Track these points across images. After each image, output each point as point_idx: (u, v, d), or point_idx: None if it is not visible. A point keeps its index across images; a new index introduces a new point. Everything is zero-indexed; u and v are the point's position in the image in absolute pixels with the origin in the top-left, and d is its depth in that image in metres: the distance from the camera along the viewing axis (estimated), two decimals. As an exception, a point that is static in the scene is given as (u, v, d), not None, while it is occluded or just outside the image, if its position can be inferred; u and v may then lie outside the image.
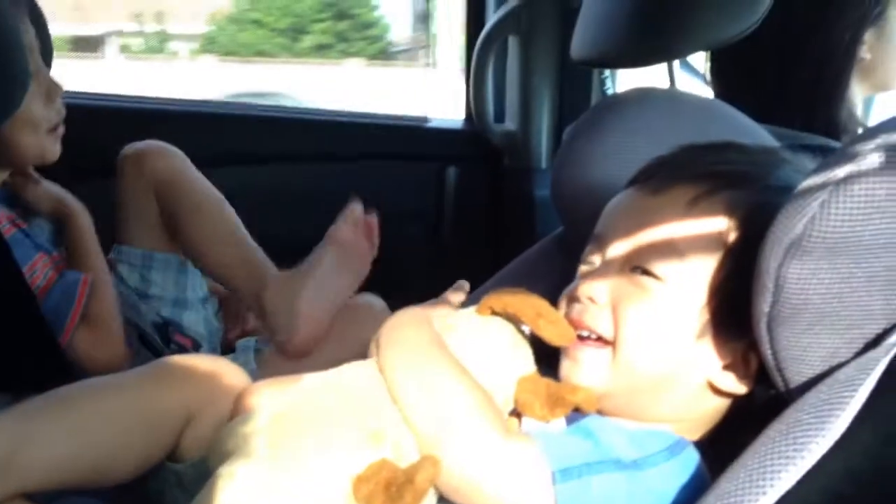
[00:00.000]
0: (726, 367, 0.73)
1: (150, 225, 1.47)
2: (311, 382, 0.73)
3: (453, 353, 0.73)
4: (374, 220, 1.35)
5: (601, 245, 0.80)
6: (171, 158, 1.45)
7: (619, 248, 0.78)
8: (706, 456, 0.70)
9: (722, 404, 0.75)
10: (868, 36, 1.32)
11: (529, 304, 0.76)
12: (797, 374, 0.63)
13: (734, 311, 0.69)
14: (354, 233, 1.34)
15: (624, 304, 0.74)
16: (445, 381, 0.70)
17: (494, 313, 0.78)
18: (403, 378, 0.71)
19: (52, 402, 0.74)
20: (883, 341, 0.59)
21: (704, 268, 0.73)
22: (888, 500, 0.50)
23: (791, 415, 0.57)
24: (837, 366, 0.60)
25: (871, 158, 0.56)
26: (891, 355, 0.56)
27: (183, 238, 1.44)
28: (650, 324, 0.73)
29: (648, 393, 0.75)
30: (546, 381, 0.75)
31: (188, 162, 1.46)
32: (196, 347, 1.47)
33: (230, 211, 1.43)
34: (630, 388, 0.75)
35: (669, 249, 0.74)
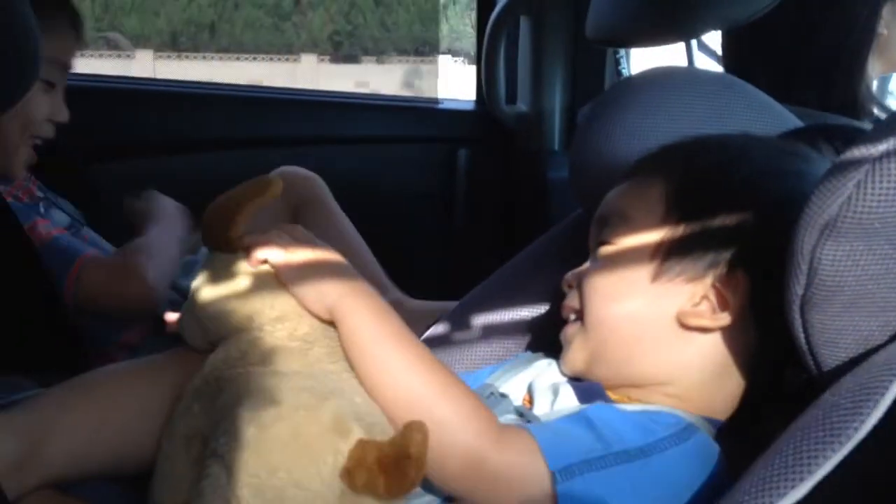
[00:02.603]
0: (695, 306, 0.76)
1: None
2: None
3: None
4: None
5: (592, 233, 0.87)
6: (314, 182, 1.58)
7: (594, 233, 0.86)
8: (734, 444, 0.69)
9: (713, 355, 0.75)
10: (885, 11, 1.30)
11: None
12: (831, 357, 0.61)
13: (686, 254, 0.75)
14: None
15: (585, 275, 0.82)
16: (434, 376, 0.69)
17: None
18: (387, 357, 0.69)
19: (72, 392, 0.73)
20: (921, 324, 0.58)
21: (648, 222, 0.79)
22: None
23: (827, 399, 0.56)
24: (873, 349, 0.59)
25: (908, 137, 0.55)
26: (929, 338, 0.55)
27: None
28: (603, 280, 0.80)
29: (629, 345, 0.78)
30: (374, 446, 0.64)
31: (327, 188, 1.59)
32: None
33: (359, 237, 1.57)
34: (609, 346, 0.78)
35: (619, 218, 0.82)
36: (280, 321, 0.73)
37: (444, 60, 6.45)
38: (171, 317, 0.81)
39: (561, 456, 0.65)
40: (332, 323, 0.73)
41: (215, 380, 0.70)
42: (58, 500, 0.70)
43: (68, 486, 0.71)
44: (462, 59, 6.43)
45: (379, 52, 6.89)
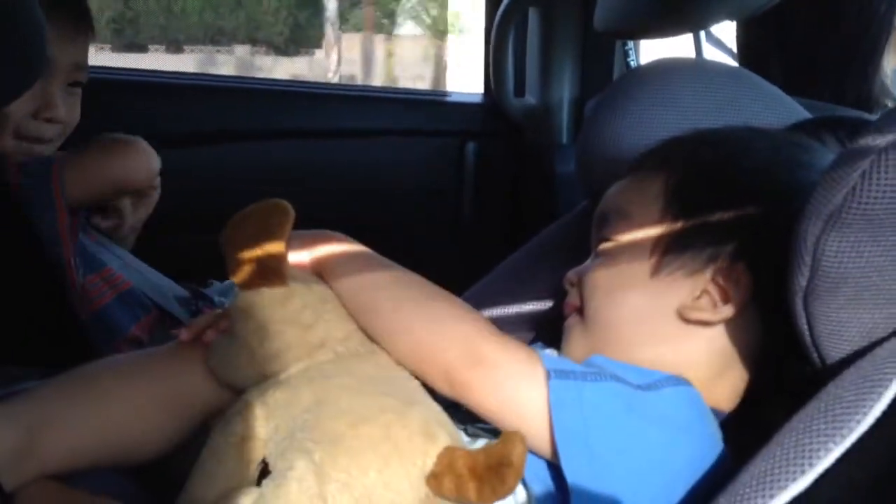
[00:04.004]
0: (696, 300, 0.75)
1: None
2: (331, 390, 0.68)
3: None
4: None
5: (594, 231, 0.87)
6: None
7: (595, 230, 0.86)
8: (736, 436, 0.69)
9: (715, 348, 0.75)
10: None
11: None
12: (834, 349, 0.61)
13: (685, 249, 0.75)
14: None
15: (585, 272, 0.83)
16: (431, 294, 0.76)
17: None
18: (390, 295, 0.76)
19: (73, 383, 0.73)
20: (926, 316, 0.57)
21: (647, 217, 0.79)
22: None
23: (830, 391, 0.55)
24: (877, 341, 0.58)
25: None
26: (934, 331, 0.54)
27: None
28: (603, 277, 0.80)
29: (630, 341, 0.77)
30: (463, 454, 0.64)
31: None
32: None
33: None
34: (610, 342, 0.77)
35: (617, 214, 0.82)
36: (348, 339, 0.74)
37: (241, 51, 6.31)
38: (188, 336, 0.76)
39: (558, 364, 0.69)
40: None
41: (282, 384, 0.70)
42: (57, 490, 0.69)
43: (69, 476, 0.71)
44: (264, 49, 6.26)
45: (168, 40, 6.57)
